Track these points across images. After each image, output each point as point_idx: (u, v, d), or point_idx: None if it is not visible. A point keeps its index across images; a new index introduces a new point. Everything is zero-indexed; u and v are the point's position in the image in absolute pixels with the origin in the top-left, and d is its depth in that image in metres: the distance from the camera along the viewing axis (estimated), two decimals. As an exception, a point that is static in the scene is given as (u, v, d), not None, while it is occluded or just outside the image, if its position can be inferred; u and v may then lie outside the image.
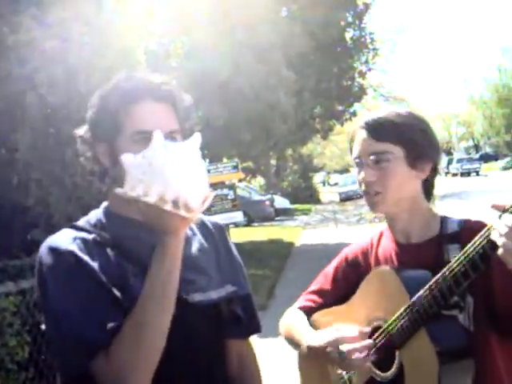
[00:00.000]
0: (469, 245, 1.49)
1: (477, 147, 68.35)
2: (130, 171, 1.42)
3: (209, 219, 1.79)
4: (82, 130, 1.63)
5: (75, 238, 1.55)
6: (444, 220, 1.74)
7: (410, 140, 1.68)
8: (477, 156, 59.16)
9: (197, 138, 1.47)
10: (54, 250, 1.52)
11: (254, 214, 24.54)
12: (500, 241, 1.41)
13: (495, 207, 1.45)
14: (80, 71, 5.85)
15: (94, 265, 1.50)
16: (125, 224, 1.59)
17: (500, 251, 1.41)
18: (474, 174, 48.69)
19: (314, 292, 1.96)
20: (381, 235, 1.86)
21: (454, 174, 48.51)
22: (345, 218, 26.51)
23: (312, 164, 47.24)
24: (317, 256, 14.41)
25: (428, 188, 1.78)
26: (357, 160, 1.74)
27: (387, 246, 1.80)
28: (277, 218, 27.12)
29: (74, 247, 1.52)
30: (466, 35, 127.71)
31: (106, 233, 1.58)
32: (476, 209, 18.31)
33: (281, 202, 29.43)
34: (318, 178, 59.47)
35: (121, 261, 1.53)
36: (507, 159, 51.26)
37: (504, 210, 1.44)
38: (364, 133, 1.71)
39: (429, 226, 1.73)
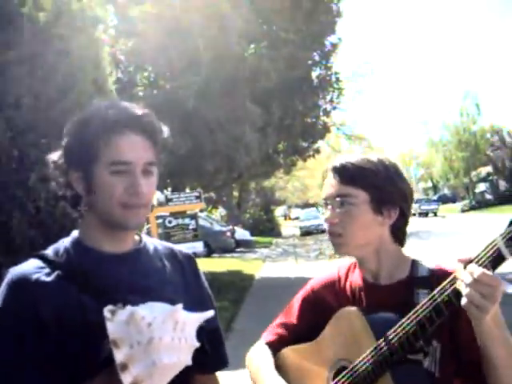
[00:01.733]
0: (435, 290, 1.52)
1: (435, 188, 69.63)
2: (130, 327, 1.35)
3: (178, 248, 1.78)
4: (55, 156, 1.62)
5: (39, 272, 1.52)
6: (415, 263, 1.76)
7: (374, 186, 1.71)
8: (435, 197, 60.17)
9: (208, 315, 1.46)
10: (10, 286, 1.51)
11: (215, 245, 24.38)
12: (464, 291, 1.44)
13: (461, 261, 1.47)
14: (50, 96, 5.84)
15: (52, 303, 1.48)
16: (93, 256, 1.57)
17: (463, 301, 1.44)
18: (432, 214, 49.51)
19: (280, 325, 1.96)
20: (349, 269, 1.87)
21: (412, 214, 49.17)
22: (305, 252, 26.50)
23: (274, 197, 47.41)
24: (276, 289, 14.32)
25: (396, 233, 1.79)
26: (323, 201, 1.79)
27: (355, 282, 1.81)
28: (237, 250, 26.99)
29: (34, 286, 1.49)
30: (428, 79, 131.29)
31: (72, 264, 1.55)
32: (435, 249, 18.65)
33: (242, 234, 29.31)
34: (279, 212, 59.64)
35: (83, 296, 1.50)
36: (465, 202, 52.36)
37: (469, 262, 1.46)
38: (331, 175, 1.76)
39: (398, 269, 1.75)
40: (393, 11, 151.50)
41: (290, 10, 13.91)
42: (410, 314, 1.55)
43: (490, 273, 1.41)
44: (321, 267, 18.33)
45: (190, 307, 1.61)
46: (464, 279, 1.43)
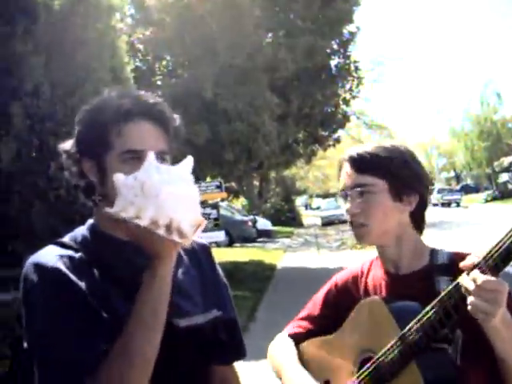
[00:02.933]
0: (459, 277, 1.50)
1: (458, 178, 68.90)
2: (121, 192, 1.39)
3: (194, 239, 1.78)
4: (67, 145, 1.61)
5: (61, 256, 1.51)
6: (434, 252, 1.75)
7: (392, 173, 1.70)
8: (458, 187, 59.55)
9: (189, 162, 1.46)
10: (39, 268, 1.48)
11: (236, 234, 24.36)
12: (469, 298, 1.44)
13: (464, 267, 1.47)
14: (67, 84, 5.87)
15: (81, 285, 1.47)
16: (111, 243, 1.57)
17: (469, 308, 1.44)
18: (455, 204, 49.00)
19: (303, 318, 1.96)
20: (371, 263, 1.87)
21: (435, 204, 48.66)
22: (326, 242, 26.39)
23: (295, 187, 47.28)
24: (298, 279, 14.29)
25: (417, 220, 1.78)
26: (342, 192, 1.77)
27: (377, 275, 1.81)
28: (258, 240, 26.92)
29: (61, 265, 1.49)
30: (449, 67, 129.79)
31: (91, 251, 1.55)
32: (457, 239, 18.49)
33: (263, 224, 29.16)
34: (299, 202, 59.49)
35: (104, 281, 1.50)
36: (488, 192, 51.67)
37: (473, 267, 1.46)
38: (348, 166, 1.75)
39: (418, 257, 1.74)
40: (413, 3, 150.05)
41: (307, -3, 13.83)
42: (435, 301, 1.54)
43: (492, 278, 1.41)
44: (343, 257, 18.26)
45: (207, 300, 1.65)
46: (467, 286, 1.44)
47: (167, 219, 1.36)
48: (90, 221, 1.64)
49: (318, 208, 54.94)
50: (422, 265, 1.72)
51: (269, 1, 13.24)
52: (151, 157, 1.41)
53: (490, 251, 1.44)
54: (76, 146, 1.58)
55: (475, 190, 58.65)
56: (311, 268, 16.72)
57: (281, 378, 1.88)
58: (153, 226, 1.36)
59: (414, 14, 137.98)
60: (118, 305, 1.47)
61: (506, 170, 50.83)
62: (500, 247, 1.42)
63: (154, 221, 1.35)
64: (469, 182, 63.68)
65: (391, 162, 1.71)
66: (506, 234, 1.41)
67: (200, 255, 1.74)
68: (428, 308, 1.55)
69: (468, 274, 1.45)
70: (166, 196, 1.36)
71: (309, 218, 48.72)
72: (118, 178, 1.39)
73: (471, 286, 1.43)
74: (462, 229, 23.49)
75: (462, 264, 1.48)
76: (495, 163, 51.53)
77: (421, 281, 1.67)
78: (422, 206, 1.76)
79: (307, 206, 69.35)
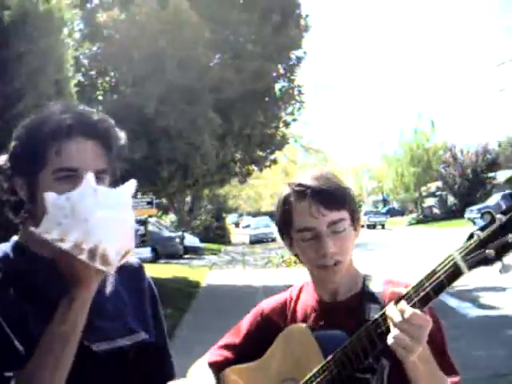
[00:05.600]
0: (387, 307, 1.47)
1: (385, 201, 70.85)
2: (50, 212, 1.34)
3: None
4: (0, 160, 1.54)
5: None
6: (366, 278, 1.72)
7: (352, 205, 1.69)
8: (384, 210, 61.30)
9: (131, 186, 1.42)
10: None
11: (162, 251, 24.20)
12: (393, 331, 1.40)
13: (392, 297, 1.45)
14: (8, 97, 5.64)
15: None
16: (33, 262, 1.49)
17: (390, 341, 1.40)
18: (380, 226, 50.34)
19: (225, 346, 1.87)
20: (301, 289, 1.81)
21: (361, 226, 49.86)
22: (253, 260, 26.69)
23: (227, 205, 47.38)
24: (222, 297, 14.38)
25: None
26: (310, 233, 1.64)
27: (307, 302, 1.75)
28: (185, 256, 26.89)
29: None
30: (386, 96, 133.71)
31: (12, 270, 1.47)
32: (381, 259, 19.00)
33: (191, 241, 29.29)
34: (230, 219, 59.56)
35: (23, 302, 1.43)
36: (413, 215, 53.45)
37: (399, 298, 1.43)
38: (313, 202, 1.62)
39: (352, 285, 1.70)
40: (355, 31, 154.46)
41: (259, 22, 13.91)
42: (361, 329, 1.50)
43: (419, 312, 1.38)
44: (268, 275, 18.47)
45: (134, 322, 1.58)
46: (393, 318, 1.40)
47: (92, 244, 1.30)
48: (15, 238, 1.57)
49: (247, 226, 55.20)
50: (354, 292, 1.69)
51: (220, 24, 13.24)
52: (90, 178, 1.36)
53: (422, 281, 1.41)
54: (10, 161, 1.51)
55: (400, 213, 60.56)
56: (236, 285, 16.77)
57: None
58: (75, 250, 1.30)
59: (357, 42, 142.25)
60: (36, 329, 1.38)
61: (433, 194, 52.71)
62: (432, 278, 1.38)
63: (78, 245, 1.30)
64: (395, 205, 65.50)
65: (349, 193, 1.69)
66: (439, 264, 1.38)
67: (131, 276, 1.67)
68: (353, 337, 1.51)
69: (396, 304, 1.42)
70: (96, 221, 1.30)
71: (238, 235, 48.88)
72: (49, 196, 1.34)
73: (397, 318, 1.39)
74: (386, 250, 24.26)
75: (390, 293, 1.46)
76: (422, 188, 53.32)
77: (351, 308, 1.63)
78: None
79: (237, 224, 69.49)
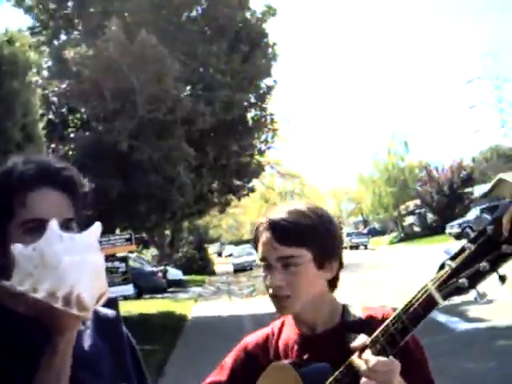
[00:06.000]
0: (352, 357, 1.47)
1: (365, 222, 71.16)
2: (19, 263, 1.32)
3: (102, 310, 1.67)
4: None
5: None
6: (345, 308, 1.72)
7: (316, 243, 1.65)
8: (365, 231, 61.51)
9: (96, 229, 1.41)
10: None
11: (146, 286, 23.90)
12: (362, 380, 1.41)
13: (354, 348, 1.45)
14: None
15: None
16: (11, 318, 1.44)
17: None
18: (363, 247, 50.41)
19: None
20: (283, 323, 1.81)
21: (344, 247, 49.86)
22: (238, 289, 26.50)
23: (208, 235, 47.26)
24: (209, 330, 14.24)
25: (333, 281, 1.75)
26: (263, 262, 1.68)
27: (288, 337, 1.75)
28: (169, 290, 26.62)
29: None
30: (359, 118, 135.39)
31: None
32: (365, 281, 19.02)
33: (174, 274, 29.04)
34: (212, 249, 59.41)
35: (6, 359, 1.39)
36: (394, 234, 53.65)
37: (364, 347, 1.43)
38: (269, 234, 1.66)
39: (331, 316, 1.70)
40: (325, 53, 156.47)
41: (227, 53, 14.02)
42: (344, 365, 1.49)
43: (384, 359, 1.39)
44: (254, 304, 18.36)
45: (115, 371, 1.57)
46: (360, 368, 1.41)
47: (66, 290, 1.29)
48: None
49: (230, 255, 55.07)
50: (334, 323, 1.69)
51: (189, 55, 13.30)
52: (53, 225, 1.35)
53: (387, 325, 1.42)
54: None
55: (382, 232, 60.77)
56: (223, 316, 16.64)
57: None
58: (50, 298, 1.29)
59: (328, 65, 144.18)
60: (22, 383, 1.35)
61: (412, 213, 53.09)
62: (409, 310, 1.39)
63: (52, 293, 1.28)
64: (375, 225, 65.80)
65: (314, 231, 1.65)
66: (415, 296, 1.39)
67: (109, 326, 1.65)
68: (337, 372, 1.51)
69: (360, 354, 1.42)
70: (66, 266, 1.29)
71: (221, 265, 48.68)
72: (16, 248, 1.33)
73: (363, 368, 1.40)
74: (372, 270, 24.24)
75: (352, 345, 1.45)
76: (401, 207, 53.69)
77: (332, 340, 1.63)
78: (340, 267, 1.74)
79: (220, 254, 69.33)
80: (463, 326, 10.55)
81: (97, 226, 1.41)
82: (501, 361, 7.79)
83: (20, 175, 1.46)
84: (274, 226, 1.65)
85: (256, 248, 1.73)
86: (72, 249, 1.33)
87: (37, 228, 1.42)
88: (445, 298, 1.36)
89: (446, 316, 10.93)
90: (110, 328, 1.64)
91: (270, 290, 1.66)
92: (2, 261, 1.45)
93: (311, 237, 1.64)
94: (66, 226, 1.44)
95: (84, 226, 1.52)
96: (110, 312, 1.69)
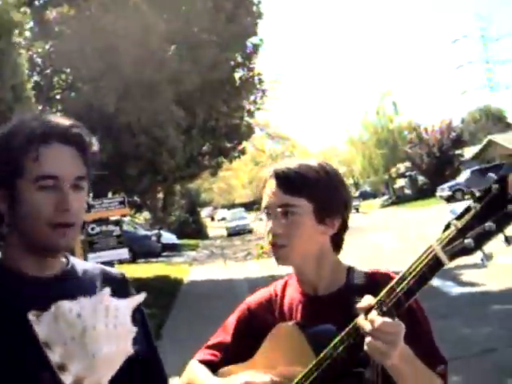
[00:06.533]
0: (357, 318, 1.48)
1: (356, 185, 71.24)
2: (58, 322, 1.30)
3: (109, 269, 1.69)
4: None
5: None
6: (350, 271, 1.72)
7: (318, 196, 1.66)
8: (356, 194, 61.65)
9: (138, 300, 1.43)
10: None
11: (140, 250, 23.93)
12: (366, 339, 1.42)
13: (361, 309, 1.45)
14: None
15: None
16: (14, 281, 1.46)
17: (366, 348, 1.42)
18: (354, 211, 50.63)
19: (214, 345, 1.85)
20: (285, 284, 1.82)
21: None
22: (232, 253, 26.61)
23: (200, 199, 47.24)
24: (205, 293, 14.37)
25: (337, 241, 1.76)
26: (265, 210, 1.71)
27: (293, 297, 1.76)
28: (163, 254, 26.68)
29: None
30: (348, 78, 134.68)
31: None
32: (359, 245, 19.14)
33: (168, 238, 29.06)
34: (204, 213, 59.51)
35: (1, 323, 1.39)
36: (385, 197, 53.78)
37: (369, 308, 1.44)
38: (273, 183, 1.69)
39: (335, 278, 1.71)
40: (312, 13, 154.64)
41: (211, 11, 13.82)
42: (350, 326, 1.49)
43: (389, 320, 1.40)
44: (249, 268, 18.47)
45: None
46: (365, 328, 1.42)
47: (93, 381, 1.28)
48: None
49: (223, 219, 55.18)
50: (338, 285, 1.70)
51: (173, 14, 13.09)
52: (105, 293, 1.36)
53: (392, 287, 1.43)
54: None
55: (373, 195, 60.81)
56: (218, 280, 16.74)
57: None
58: (76, 382, 1.27)
59: (315, 25, 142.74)
60: (14, 344, 1.35)
61: (403, 175, 53.12)
62: (402, 283, 1.41)
63: (80, 379, 1.27)
64: (367, 188, 65.90)
65: (318, 183, 1.66)
66: (420, 257, 1.40)
67: (116, 287, 1.61)
68: (343, 332, 1.51)
69: (366, 315, 1.43)
70: (102, 357, 1.28)
71: (214, 229, 48.82)
72: (62, 307, 1.30)
73: (368, 328, 1.41)
74: (365, 234, 24.39)
75: (358, 305, 1.46)
76: (392, 170, 53.68)
77: (337, 302, 1.64)
78: (344, 228, 1.75)
79: (213, 218, 69.46)
80: (457, 290, 10.59)
81: (140, 297, 1.44)
82: (496, 325, 7.85)
83: (29, 131, 1.43)
84: (278, 174, 1.68)
85: (261, 200, 1.74)
86: (112, 337, 1.32)
87: (51, 185, 1.42)
88: (451, 258, 1.37)
89: (440, 280, 10.89)
90: (119, 288, 1.62)
91: (270, 237, 1.68)
92: (11, 219, 1.45)
93: (313, 188, 1.65)
94: (78, 184, 1.45)
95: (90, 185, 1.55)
96: (117, 272, 1.69)
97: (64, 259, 1.58)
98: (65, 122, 1.50)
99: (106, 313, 1.33)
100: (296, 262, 1.71)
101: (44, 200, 1.41)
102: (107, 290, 1.37)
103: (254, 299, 1.85)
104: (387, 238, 21.04)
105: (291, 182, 1.66)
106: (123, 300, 1.42)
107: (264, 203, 1.71)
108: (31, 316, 1.29)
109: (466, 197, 1.39)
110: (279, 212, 1.66)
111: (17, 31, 6.82)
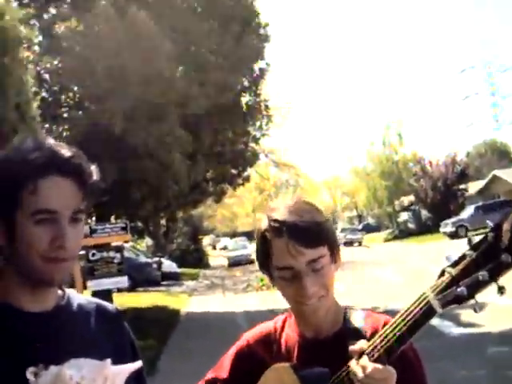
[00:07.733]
0: (350, 362, 1.48)
1: (360, 217, 71.05)
2: None
3: (105, 304, 1.66)
4: None
5: None
6: (347, 312, 1.71)
7: (331, 238, 1.66)
8: (360, 227, 61.44)
9: (136, 365, 1.44)
10: None
11: (140, 278, 23.55)
12: None
13: (353, 352, 1.45)
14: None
15: None
16: (9, 315, 1.44)
17: None
18: (357, 244, 50.24)
19: (211, 381, 1.82)
20: (284, 321, 1.79)
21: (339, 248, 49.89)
22: (232, 284, 26.40)
23: (202, 226, 47.12)
24: (203, 326, 14.21)
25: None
26: (286, 271, 1.61)
27: (290, 337, 1.74)
28: (163, 283, 26.37)
29: None
30: (352, 108, 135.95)
31: None
32: (360, 279, 18.89)
33: (168, 266, 28.91)
34: (206, 241, 59.35)
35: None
36: (389, 231, 53.49)
37: (361, 352, 1.44)
38: (290, 240, 1.59)
39: (334, 320, 1.70)
40: (319, 41, 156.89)
41: (219, 32, 13.72)
42: (342, 370, 1.51)
43: (381, 366, 1.40)
44: (249, 300, 18.17)
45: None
46: (356, 374, 1.42)
47: None
48: None
49: (224, 248, 54.89)
50: (336, 329, 1.68)
51: (181, 35, 12.96)
52: (107, 364, 1.37)
53: (385, 332, 1.43)
54: None
55: (376, 229, 60.68)
56: (216, 312, 16.50)
57: None
58: None
59: (323, 54, 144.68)
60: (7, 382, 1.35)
61: (406, 209, 52.88)
62: (394, 329, 1.41)
63: None
64: (370, 220, 65.67)
65: (326, 226, 1.66)
66: (413, 303, 1.40)
67: (111, 323, 1.63)
68: (334, 377, 1.53)
69: (358, 360, 1.43)
70: None
71: (216, 258, 48.54)
72: (63, 373, 1.31)
73: (360, 374, 1.41)
74: (367, 268, 24.22)
75: (350, 349, 1.47)
76: (396, 202, 53.57)
77: (334, 346, 1.62)
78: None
79: (214, 246, 69.20)
80: (456, 330, 10.47)
81: (138, 364, 1.45)
82: (494, 367, 7.76)
83: (30, 163, 1.41)
84: (294, 230, 1.60)
85: (262, 256, 1.67)
86: None
87: (48, 220, 1.40)
88: (444, 306, 1.38)
89: (439, 320, 10.68)
90: (113, 325, 1.63)
91: (303, 299, 1.62)
92: (8, 249, 1.43)
93: (327, 233, 1.65)
94: (75, 217, 1.44)
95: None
96: (112, 307, 1.68)
97: (60, 291, 1.57)
98: (65, 151, 1.45)
99: (105, 382, 1.35)
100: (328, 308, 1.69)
101: (40, 234, 1.40)
102: (108, 361, 1.37)
103: (253, 335, 1.82)
104: (389, 273, 20.84)
105: (312, 234, 1.60)
106: (122, 366, 1.42)
107: (284, 263, 1.61)
108: (29, 374, 1.32)
109: (469, 234, 1.33)
110: (309, 269, 1.60)
111: (25, 45, 6.54)
